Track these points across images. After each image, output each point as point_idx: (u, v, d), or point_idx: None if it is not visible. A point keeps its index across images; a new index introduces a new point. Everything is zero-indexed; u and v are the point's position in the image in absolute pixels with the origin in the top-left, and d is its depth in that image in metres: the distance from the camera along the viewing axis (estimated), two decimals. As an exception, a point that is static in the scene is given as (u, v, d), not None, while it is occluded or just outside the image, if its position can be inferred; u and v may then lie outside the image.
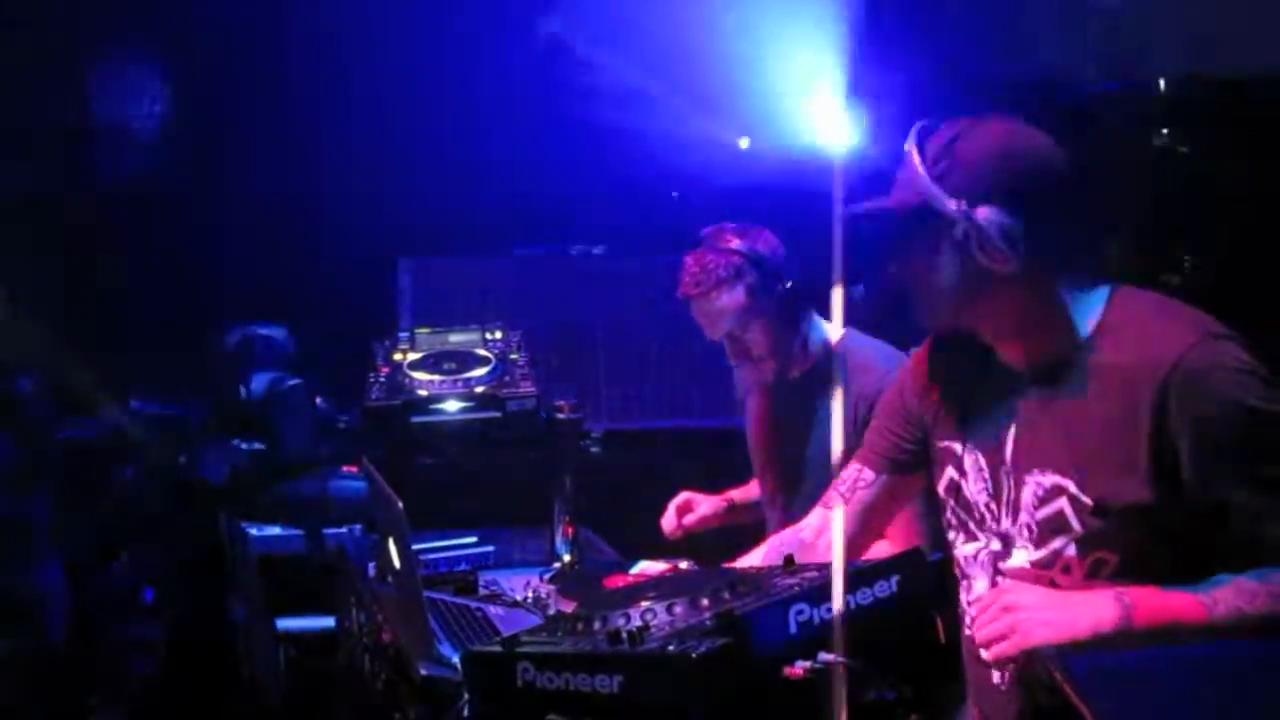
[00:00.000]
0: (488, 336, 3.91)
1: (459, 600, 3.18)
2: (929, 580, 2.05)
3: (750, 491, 3.71)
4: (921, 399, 2.50)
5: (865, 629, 1.92)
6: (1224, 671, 1.43)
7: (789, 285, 3.30)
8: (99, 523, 4.89)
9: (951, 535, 2.44)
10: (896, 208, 2.29)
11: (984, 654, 2.16)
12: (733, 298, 3.29)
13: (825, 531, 2.64)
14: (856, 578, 1.98)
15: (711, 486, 3.81)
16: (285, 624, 3.94)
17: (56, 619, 4.51)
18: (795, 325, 3.34)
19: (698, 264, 3.31)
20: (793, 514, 3.29)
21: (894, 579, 1.98)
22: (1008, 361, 2.33)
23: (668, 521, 3.62)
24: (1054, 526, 2.22)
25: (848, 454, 2.93)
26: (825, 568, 2.14)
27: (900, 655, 1.95)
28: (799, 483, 3.36)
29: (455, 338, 3.91)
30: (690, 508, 3.63)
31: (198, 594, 4.37)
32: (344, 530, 4.03)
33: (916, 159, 2.26)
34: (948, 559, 2.45)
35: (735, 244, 3.30)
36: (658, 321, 4.83)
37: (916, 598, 2.01)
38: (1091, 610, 2.07)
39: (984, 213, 2.19)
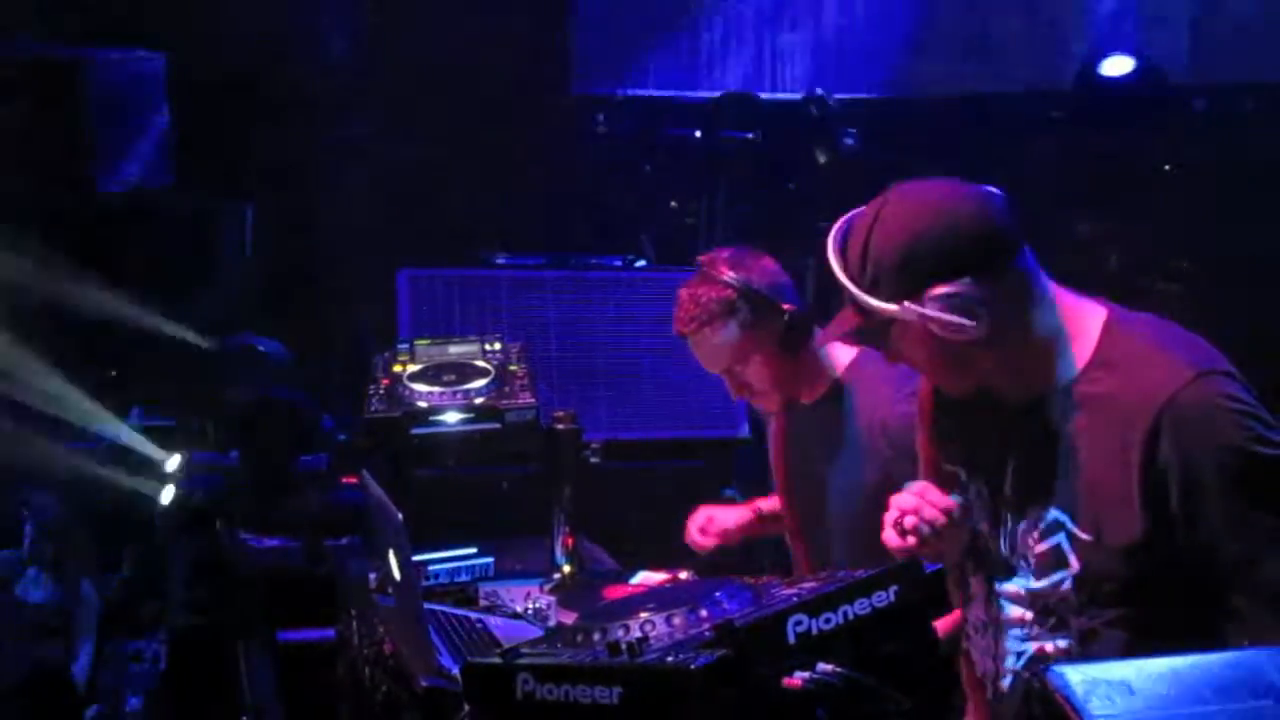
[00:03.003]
0: (487, 348, 3.91)
1: (459, 612, 3.18)
2: (927, 590, 2.05)
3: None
4: (926, 420, 2.46)
5: (863, 639, 1.93)
6: (1220, 681, 1.43)
7: (786, 316, 3.09)
8: (98, 535, 4.91)
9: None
10: (852, 330, 2.25)
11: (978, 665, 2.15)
12: (726, 335, 3.08)
13: None
14: (855, 588, 1.98)
15: (711, 496, 3.82)
16: (285, 636, 3.95)
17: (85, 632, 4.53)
18: (797, 354, 3.12)
19: (690, 298, 3.12)
20: (815, 547, 3.21)
21: (892, 589, 1.99)
22: (1004, 397, 2.28)
23: (694, 540, 3.45)
24: (1053, 560, 2.20)
25: (871, 486, 2.88)
26: (824, 578, 2.14)
27: (898, 666, 1.95)
28: (820, 516, 3.21)
29: (455, 349, 3.91)
30: (711, 523, 3.45)
31: (197, 606, 4.38)
32: (344, 542, 4.04)
33: (844, 276, 2.20)
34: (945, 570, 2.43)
35: (728, 275, 3.09)
36: (657, 330, 4.84)
37: (915, 608, 2.01)
38: None
39: (931, 297, 2.13)
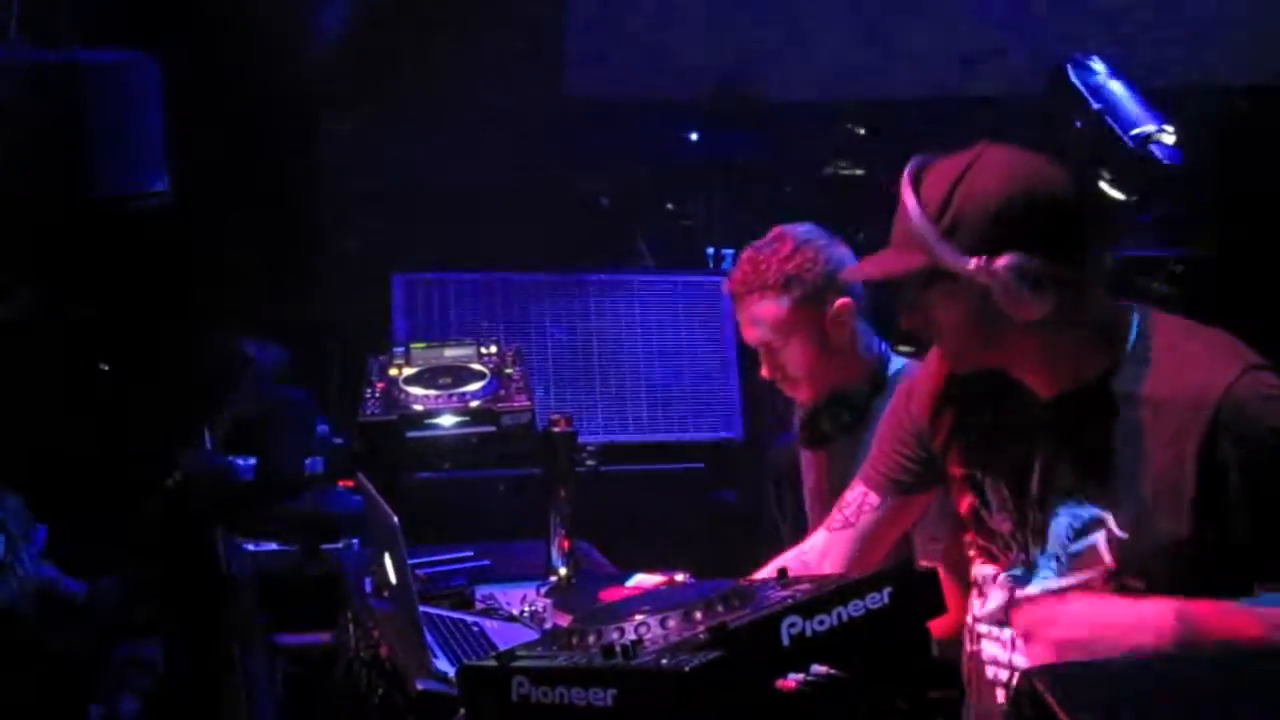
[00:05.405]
0: (483, 351, 3.91)
1: (455, 614, 3.18)
2: (922, 591, 2.05)
3: None
4: (932, 421, 2.41)
5: (858, 640, 1.93)
6: (1213, 685, 1.43)
7: (837, 306, 3.01)
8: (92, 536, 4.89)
9: (971, 554, 2.39)
10: (904, 271, 2.17)
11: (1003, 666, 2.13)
12: (777, 306, 3.01)
13: (829, 554, 2.54)
14: (849, 589, 1.98)
15: (707, 499, 3.82)
16: (282, 640, 3.95)
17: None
18: (842, 350, 3.04)
19: (750, 262, 3.03)
20: None
21: (886, 590, 1.99)
22: (1030, 389, 2.24)
23: None
24: (1086, 559, 2.17)
25: None
26: (818, 580, 2.14)
27: (893, 667, 1.95)
28: None
29: (450, 352, 3.92)
30: None
31: (194, 611, 4.37)
32: (340, 545, 4.03)
33: (918, 213, 2.12)
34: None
35: (795, 250, 3.01)
36: (654, 332, 4.84)
37: (909, 609, 2.01)
38: (1153, 621, 2.02)
39: (1005, 262, 2.08)
